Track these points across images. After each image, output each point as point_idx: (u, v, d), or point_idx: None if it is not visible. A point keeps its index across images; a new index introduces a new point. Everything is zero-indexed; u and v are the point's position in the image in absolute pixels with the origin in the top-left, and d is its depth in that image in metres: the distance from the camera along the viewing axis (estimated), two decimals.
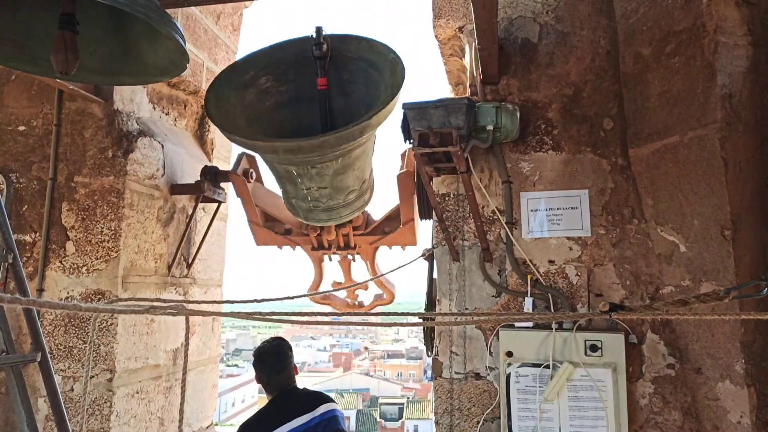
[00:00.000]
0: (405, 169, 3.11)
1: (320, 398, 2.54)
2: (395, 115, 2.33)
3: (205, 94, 2.55)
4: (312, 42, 2.53)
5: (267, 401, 2.57)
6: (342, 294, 3.82)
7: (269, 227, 3.50)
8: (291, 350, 2.63)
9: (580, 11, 2.62)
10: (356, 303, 3.78)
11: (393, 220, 3.40)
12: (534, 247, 2.54)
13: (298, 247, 3.59)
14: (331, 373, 42.10)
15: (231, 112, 2.49)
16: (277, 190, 3.15)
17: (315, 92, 2.60)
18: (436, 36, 2.87)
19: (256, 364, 2.58)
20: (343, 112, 2.64)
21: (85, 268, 2.91)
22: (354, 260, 3.61)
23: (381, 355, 52.00)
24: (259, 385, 2.76)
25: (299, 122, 2.66)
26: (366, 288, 3.70)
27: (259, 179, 3.50)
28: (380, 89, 2.38)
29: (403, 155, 3.23)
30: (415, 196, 2.99)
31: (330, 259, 3.63)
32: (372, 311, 3.70)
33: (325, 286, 3.72)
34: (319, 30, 2.53)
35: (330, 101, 2.63)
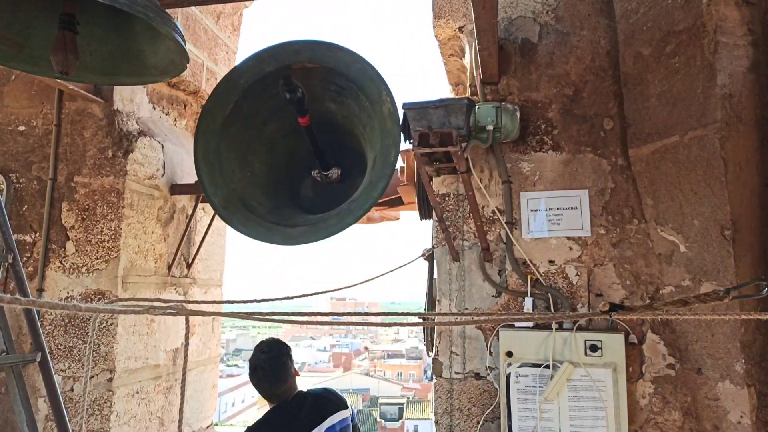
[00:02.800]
0: (405, 182, 3.07)
1: (330, 407, 2.40)
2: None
3: (193, 151, 2.44)
4: (282, 93, 2.32)
5: (268, 409, 2.42)
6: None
7: None
8: (290, 356, 2.44)
9: (580, 11, 2.62)
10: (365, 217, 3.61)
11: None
12: (534, 247, 2.54)
13: None
14: (331, 373, 42.09)
15: (224, 168, 2.41)
16: None
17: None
18: (436, 36, 2.87)
19: (251, 377, 2.38)
20: (336, 119, 2.58)
21: (85, 268, 2.91)
22: None
23: (381, 355, 52.00)
24: None
25: (291, 126, 2.56)
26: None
27: None
28: (374, 124, 2.31)
29: (403, 154, 3.22)
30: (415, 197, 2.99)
31: None
32: (372, 311, 3.66)
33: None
34: (286, 80, 2.31)
35: (320, 106, 2.52)
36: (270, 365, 2.36)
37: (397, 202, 3.32)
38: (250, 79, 2.46)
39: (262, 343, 2.48)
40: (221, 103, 2.48)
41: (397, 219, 3.80)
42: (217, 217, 3.63)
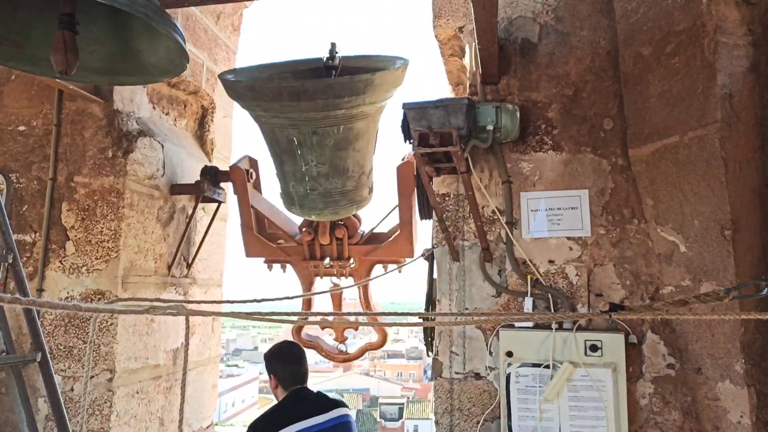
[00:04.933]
0: (405, 160, 3.07)
1: (335, 402, 2.54)
2: (396, 115, 2.34)
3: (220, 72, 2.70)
4: (325, 58, 2.70)
5: (279, 400, 2.53)
6: (331, 338, 3.64)
7: (262, 236, 3.43)
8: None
9: (580, 11, 2.62)
10: (344, 349, 3.56)
11: (388, 236, 3.31)
12: (534, 247, 2.54)
13: (288, 268, 3.45)
14: (331, 373, 42.07)
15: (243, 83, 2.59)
16: (274, 200, 3.15)
17: None
18: (436, 36, 2.87)
19: (272, 359, 2.56)
20: None
21: (85, 268, 2.91)
22: (347, 277, 3.41)
23: (381, 355, 51.97)
24: (260, 385, 2.76)
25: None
26: (356, 329, 3.48)
27: (258, 185, 3.47)
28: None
29: (403, 159, 3.22)
30: (415, 197, 2.97)
31: (321, 278, 3.43)
32: (372, 312, 3.63)
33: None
34: (333, 45, 2.72)
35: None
36: (290, 349, 2.64)
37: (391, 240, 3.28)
38: (286, 70, 2.79)
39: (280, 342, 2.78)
40: (258, 70, 2.77)
41: (381, 345, 3.58)
42: (217, 217, 3.64)
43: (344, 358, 3.65)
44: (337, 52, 2.72)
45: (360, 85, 2.31)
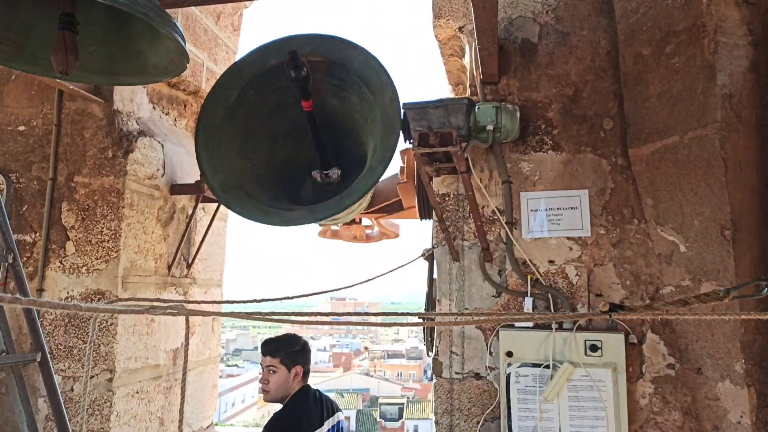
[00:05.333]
0: (404, 180, 3.04)
1: (334, 406, 2.67)
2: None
3: (194, 138, 2.42)
4: (288, 72, 2.28)
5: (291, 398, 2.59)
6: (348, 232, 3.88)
7: None
8: None
9: (580, 11, 2.62)
10: (364, 235, 3.81)
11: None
12: (534, 247, 2.54)
13: None
14: (331, 373, 42.09)
15: (224, 157, 2.41)
16: None
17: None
18: (436, 36, 2.87)
19: (302, 351, 2.67)
20: (337, 116, 2.55)
21: (85, 268, 2.91)
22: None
23: (381, 355, 52.01)
24: (260, 385, 2.77)
25: (293, 125, 2.57)
26: (373, 228, 3.76)
27: None
28: (375, 114, 2.30)
29: (402, 153, 3.22)
30: (415, 197, 2.98)
31: None
32: (372, 311, 3.67)
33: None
34: (294, 55, 2.26)
35: (322, 103, 2.49)
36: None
37: (397, 207, 3.31)
38: (254, 72, 2.45)
39: (286, 333, 2.88)
40: (224, 93, 2.45)
41: (397, 236, 3.87)
42: (217, 217, 3.64)
43: (367, 239, 3.94)
44: (302, 64, 2.28)
45: (348, 201, 2.21)
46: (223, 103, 2.44)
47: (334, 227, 3.76)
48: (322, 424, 2.47)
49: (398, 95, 2.23)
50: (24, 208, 2.98)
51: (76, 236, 2.94)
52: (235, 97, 2.44)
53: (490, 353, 2.52)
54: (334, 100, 2.50)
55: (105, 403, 2.82)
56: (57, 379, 2.56)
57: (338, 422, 2.57)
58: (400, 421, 33.13)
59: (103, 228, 2.93)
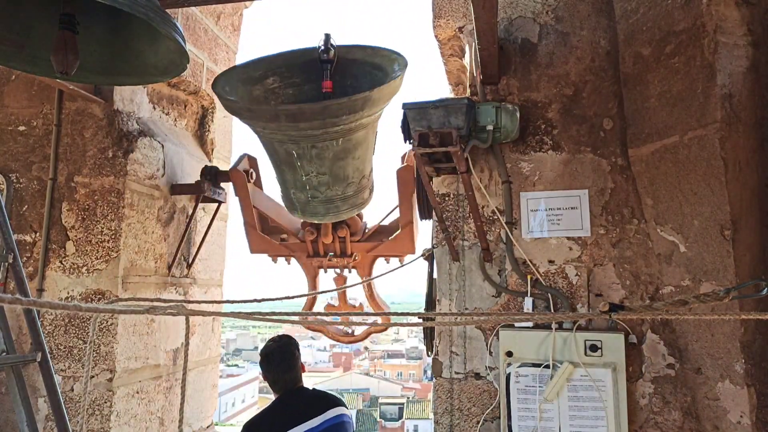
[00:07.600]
0: (405, 163, 3.10)
1: (330, 401, 2.50)
2: (396, 116, 2.34)
3: (213, 79, 2.61)
4: (319, 49, 2.64)
5: (272, 400, 2.53)
6: (336, 321, 3.76)
7: (265, 232, 3.46)
8: (298, 349, 2.60)
9: (580, 11, 2.62)
10: (350, 331, 3.69)
11: (390, 229, 3.37)
12: (534, 247, 2.54)
13: (293, 261, 3.50)
14: (331, 373, 42.08)
15: (237, 97, 2.55)
16: (276, 196, 3.15)
17: (320, 97, 2.61)
18: (436, 36, 2.87)
19: (262, 363, 2.54)
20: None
21: (85, 268, 2.91)
22: (350, 271, 3.49)
23: (381, 355, 51.97)
24: (260, 385, 2.75)
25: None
26: (362, 308, 3.60)
27: (258, 183, 3.48)
28: (385, 81, 2.44)
29: (403, 157, 3.23)
30: (415, 197, 2.98)
31: (325, 272, 3.50)
32: (372, 312, 3.67)
33: (319, 306, 3.69)
34: (327, 36, 2.65)
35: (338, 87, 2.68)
36: (279, 352, 2.53)
37: (393, 228, 3.31)
38: (281, 63, 2.73)
39: (273, 337, 2.67)
40: (249, 69, 2.69)
41: (386, 330, 3.82)
42: (217, 217, 3.64)
43: (350, 340, 3.77)
44: (332, 45, 2.65)
45: (358, 103, 2.27)
46: (248, 72, 2.68)
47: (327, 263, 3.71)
48: (303, 422, 2.38)
49: (404, 59, 2.51)
50: (24, 208, 2.98)
51: (76, 236, 2.94)
52: (259, 74, 2.69)
53: (490, 353, 2.52)
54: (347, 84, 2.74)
55: (105, 403, 2.82)
56: (57, 379, 2.56)
57: (338, 416, 2.47)
58: (400, 421, 33.11)
59: (103, 228, 2.93)
